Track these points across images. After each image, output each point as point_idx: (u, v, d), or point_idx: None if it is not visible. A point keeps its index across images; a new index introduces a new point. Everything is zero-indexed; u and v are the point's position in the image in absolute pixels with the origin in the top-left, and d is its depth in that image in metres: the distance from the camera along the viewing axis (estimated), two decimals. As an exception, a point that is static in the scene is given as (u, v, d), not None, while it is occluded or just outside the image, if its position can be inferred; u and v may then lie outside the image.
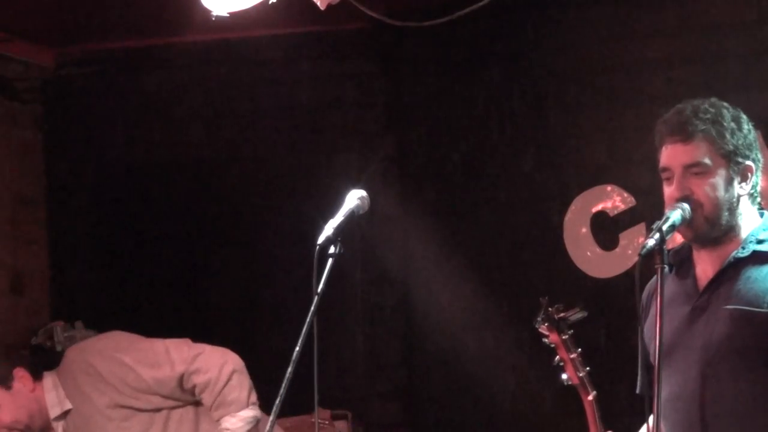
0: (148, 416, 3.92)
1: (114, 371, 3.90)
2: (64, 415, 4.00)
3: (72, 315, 5.63)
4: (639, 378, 3.25)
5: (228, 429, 3.82)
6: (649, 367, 3.08)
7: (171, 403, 3.92)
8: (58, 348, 5.48)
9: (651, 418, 2.84)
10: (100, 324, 5.37)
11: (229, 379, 3.84)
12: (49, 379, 4.01)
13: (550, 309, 2.99)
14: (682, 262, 3.06)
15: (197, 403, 3.94)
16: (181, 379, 3.86)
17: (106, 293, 5.86)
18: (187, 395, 3.91)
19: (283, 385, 3.05)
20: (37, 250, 5.95)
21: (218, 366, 3.85)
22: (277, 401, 3.04)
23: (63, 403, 3.98)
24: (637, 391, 3.23)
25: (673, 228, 2.87)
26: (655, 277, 3.04)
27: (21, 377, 3.97)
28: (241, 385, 3.86)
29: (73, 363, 4.02)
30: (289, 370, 3.03)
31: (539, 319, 3.01)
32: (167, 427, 3.94)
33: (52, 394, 3.99)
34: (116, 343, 4.03)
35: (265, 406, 3.86)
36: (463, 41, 5.36)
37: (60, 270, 5.99)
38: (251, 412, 3.83)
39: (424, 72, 5.51)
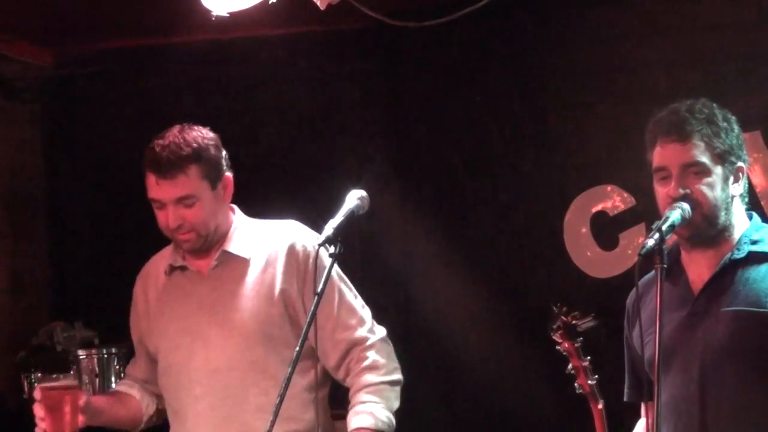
0: (290, 334, 3.45)
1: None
2: (229, 258, 3.50)
3: (72, 315, 5.61)
4: (626, 385, 3.22)
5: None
6: (640, 374, 3.07)
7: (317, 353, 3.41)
8: (58, 348, 5.48)
9: (650, 419, 2.84)
10: (101, 324, 5.38)
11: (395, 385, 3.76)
12: (245, 218, 3.56)
13: (563, 317, 2.97)
14: (671, 266, 3.03)
15: (323, 385, 3.58)
16: (347, 352, 3.55)
17: (106, 293, 5.85)
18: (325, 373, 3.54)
19: (284, 385, 3.05)
20: (37, 250, 5.95)
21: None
22: (278, 401, 3.04)
23: (242, 248, 3.48)
24: (625, 398, 3.21)
25: (672, 228, 2.87)
26: (636, 287, 3.02)
27: (228, 185, 3.49)
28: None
29: (293, 235, 3.54)
30: (290, 370, 3.03)
31: (554, 327, 2.99)
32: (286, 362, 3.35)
33: (238, 232, 3.51)
34: (342, 276, 3.60)
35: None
36: (463, 41, 5.36)
37: (60, 270, 5.99)
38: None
39: (424, 72, 5.50)
